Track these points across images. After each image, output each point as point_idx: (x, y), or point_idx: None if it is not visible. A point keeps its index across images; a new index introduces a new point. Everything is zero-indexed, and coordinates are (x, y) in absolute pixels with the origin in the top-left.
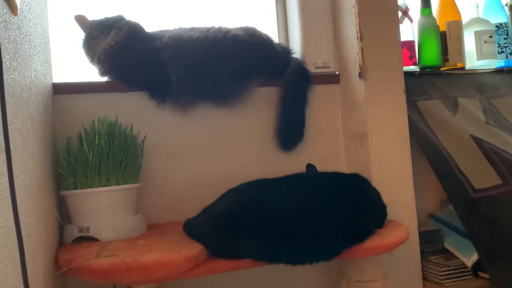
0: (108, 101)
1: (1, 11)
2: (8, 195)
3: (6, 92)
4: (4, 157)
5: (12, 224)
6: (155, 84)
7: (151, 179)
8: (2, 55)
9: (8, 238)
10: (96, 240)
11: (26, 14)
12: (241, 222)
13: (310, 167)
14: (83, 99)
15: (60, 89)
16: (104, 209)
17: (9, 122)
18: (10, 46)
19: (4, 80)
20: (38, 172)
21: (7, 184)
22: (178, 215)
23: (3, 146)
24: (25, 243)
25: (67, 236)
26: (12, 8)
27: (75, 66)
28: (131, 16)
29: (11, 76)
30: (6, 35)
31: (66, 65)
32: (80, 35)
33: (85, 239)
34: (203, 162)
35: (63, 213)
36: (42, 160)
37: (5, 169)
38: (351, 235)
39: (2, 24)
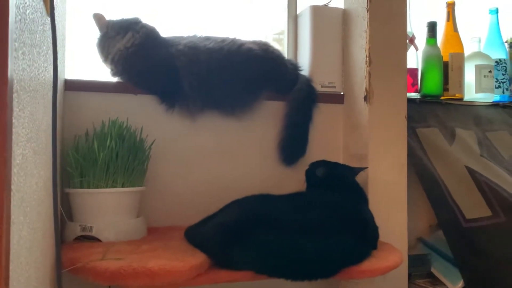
0: (118, 101)
1: (41, 13)
2: (45, 198)
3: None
4: (51, 163)
5: (36, 225)
6: (166, 89)
7: (153, 182)
8: (46, 57)
9: (33, 240)
10: (97, 240)
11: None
12: (245, 235)
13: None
14: (93, 98)
15: (72, 86)
16: (108, 210)
17: (39, 124)
18: (44, 48)
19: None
20: (50, 170)
21: (50, 190)
22: (178, 220)
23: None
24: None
25: (69, 233)
26: (47, 7)
27: (83, 62)
28: (143, 18)
29: (43, 78)
30: (44, 37)
31: (74, 60)
32: (94, 32)
33: (87, 238)
34: (206, 169)
35: (64, 209)
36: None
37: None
38: (351, 255)
39: (40, 28)
